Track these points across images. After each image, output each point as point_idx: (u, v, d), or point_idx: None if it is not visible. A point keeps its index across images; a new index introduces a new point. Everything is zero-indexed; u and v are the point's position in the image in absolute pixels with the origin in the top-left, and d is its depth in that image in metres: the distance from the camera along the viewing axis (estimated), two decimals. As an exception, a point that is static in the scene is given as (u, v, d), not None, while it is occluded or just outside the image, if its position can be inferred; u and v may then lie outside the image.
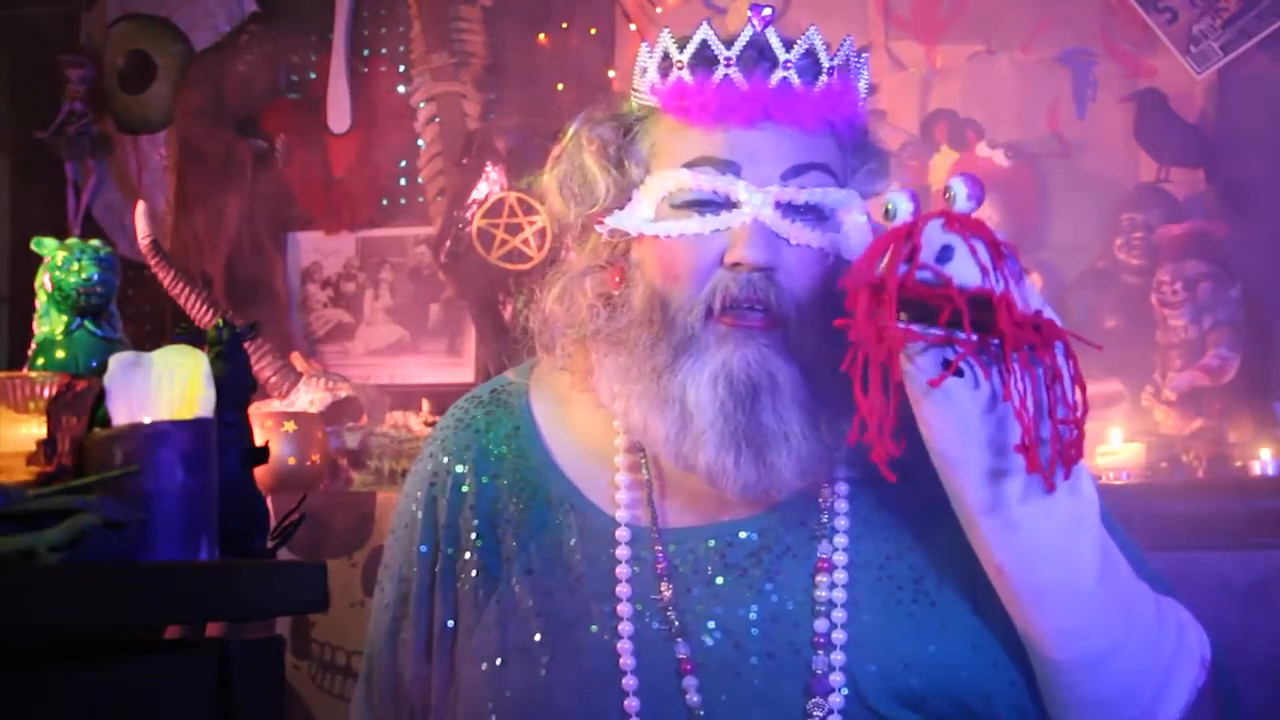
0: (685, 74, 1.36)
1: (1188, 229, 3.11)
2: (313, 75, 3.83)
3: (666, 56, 1.38)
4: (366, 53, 3.80)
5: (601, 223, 1.39)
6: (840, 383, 1.22)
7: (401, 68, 3.77)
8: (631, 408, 1.36)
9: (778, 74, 1.34)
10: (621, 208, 1.39)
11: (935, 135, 3.41)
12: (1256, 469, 2.84)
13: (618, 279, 1.39)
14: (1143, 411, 3.06)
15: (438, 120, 3.63)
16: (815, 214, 1.34)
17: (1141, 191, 3.25)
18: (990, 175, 3.24)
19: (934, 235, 1.15)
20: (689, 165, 1.34)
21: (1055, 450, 1.18)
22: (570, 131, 1.44)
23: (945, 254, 1.15)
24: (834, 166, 1.36)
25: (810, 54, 1.36)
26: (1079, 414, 1.18)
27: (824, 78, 1.35)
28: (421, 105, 3.65)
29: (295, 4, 3.84)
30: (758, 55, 1.35)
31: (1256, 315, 3.07)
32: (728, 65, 1.34)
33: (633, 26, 3.52)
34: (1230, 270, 3.06)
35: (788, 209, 1.33)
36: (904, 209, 1.19)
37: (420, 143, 3.68)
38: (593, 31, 3.59)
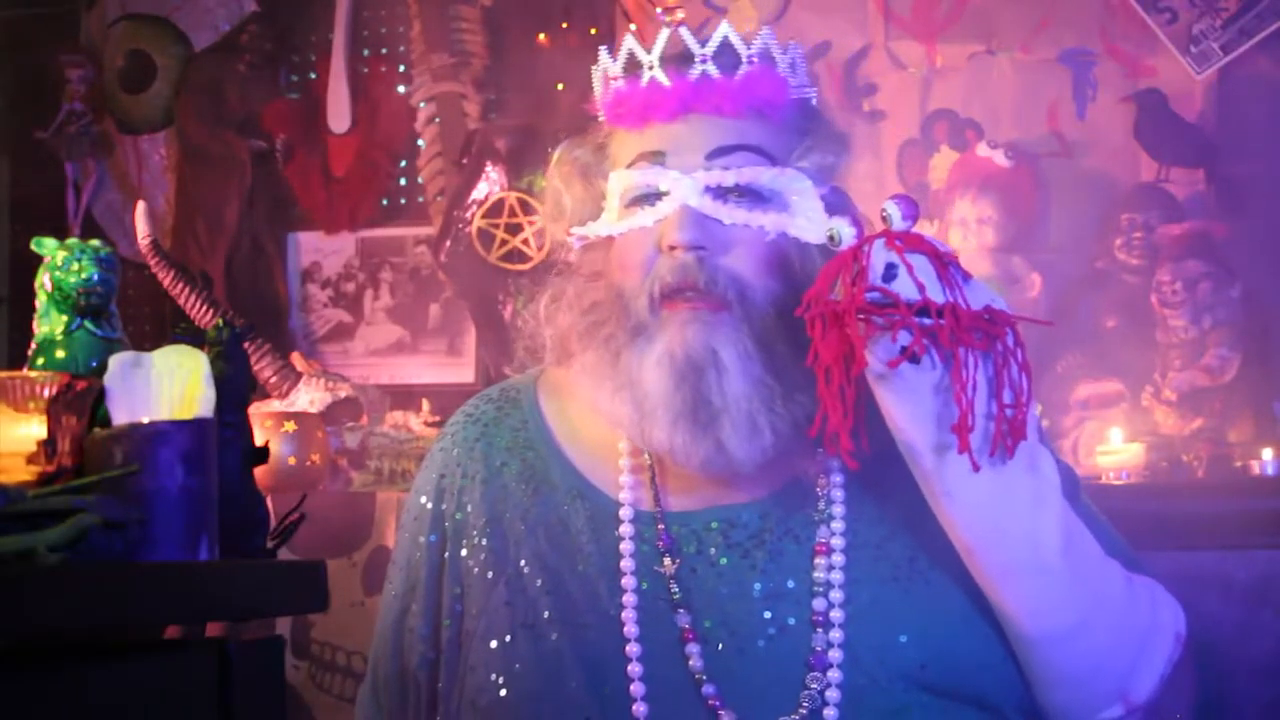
0: (620, 83, 1.47)
1: (1188, 229, 3.11)
2: (313, 75, 3.83)
3: (607, 72, 1.49)
4: (366, 53, 3.80)
5: (574, 234, 1.49)
6: (799, 354, 1.31)
7: (401, 68, 3.77)
8: (601, 396, 1.43)
9: (697, 68, 1.43)
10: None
11: (935, 135, 3.41)
12: (1256, 469, 2.84)
13: (603, 285, 1.46)
14: (1143, 411, 3.06)
15: (438, 120, 3.63)
16: (752, 195, 1.41)
17: (1141, 191, 3.25)
18: (990, 175, 3.24)
19: (878, 256, 1.25)
20: (630, 165, 1.44)
21: (999, 430, 1.26)
22: (555, 155, 1.53)
23: (890, 272, 1.24)
24: (767, 148, 1.42)
25: (726, 46, 1.44)
26: (1024, 398, 1.26)
27: (745, 66, 1.43)
28: (421, 105, 3.65)
29: (295, 4, 3.84)
30: (678, 55, 1.45)
31: (1256, 315, 3.07)
32: (650, 68, 1.44)
33: (633, 26, 3.52)
34: (1230, 270, 3.06)
35: (718, 192, 1.40)
36: (847, 234, 1.29)
37: (420, 143, 3.68)
38: (593, 31, 3.59)
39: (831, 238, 1.29)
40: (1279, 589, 2.52)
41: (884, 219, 1.27)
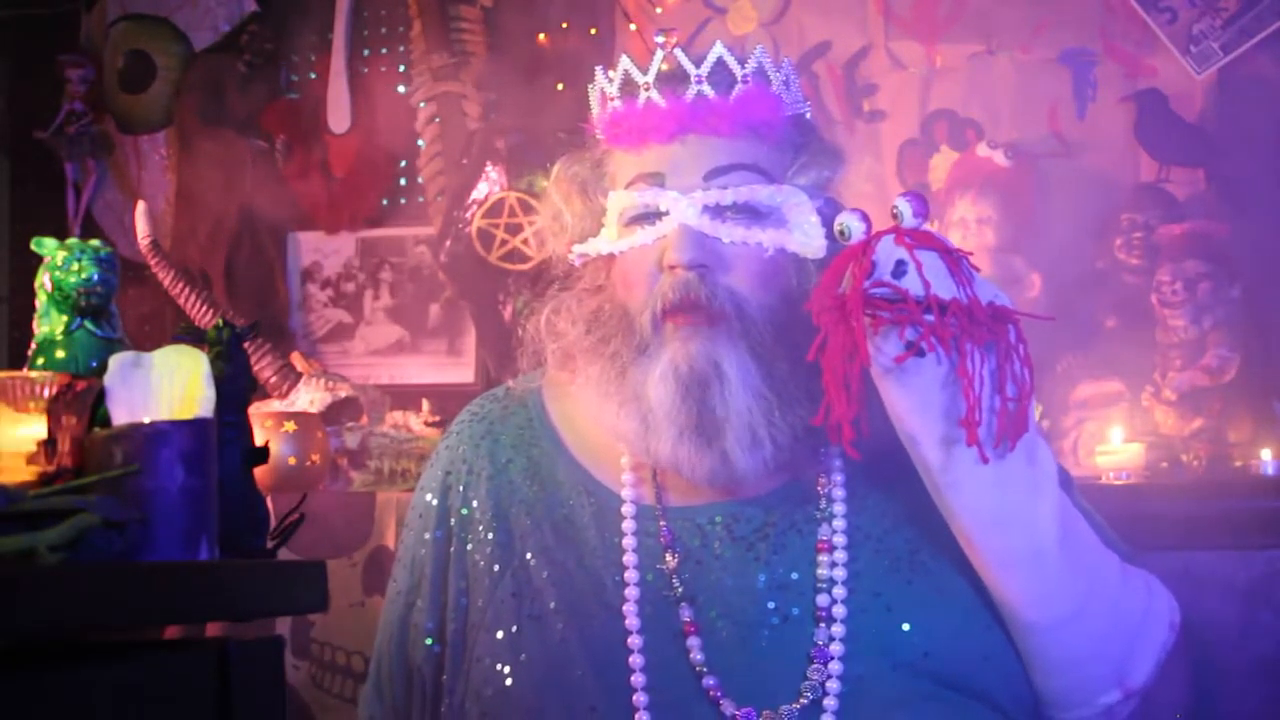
0: (617, 104, 1.50)
1: (1188, 229, 3.11)
2: (313, 75, 3.83)
3: (604, 92, 1.52)
4: (366, 53, 3.80)
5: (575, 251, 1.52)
6: (796, 368, 1.37)
7: (401, 68, 3.77)
8: (606, 410, 1.46)
9: (692, 89, 1.46)
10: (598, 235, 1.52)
11: (935, 135, 3.41)
12: (1256, 469, 2.84)
13: (605, 299, 1.50)
14: (1143, 411, 3.06)
15: (438, 120, 3.63)
16: (750, 213, 1.44)
17: (1141, 191, 3.25)
18: (990, 175, 3.24)
19: (887, 252, 1.27)
20: (629, 185, 1.47)
21: (1003, 423, 1.28)
22: (553, 172, 1.57)
23: (900, 269, 1.26)
24: (764, 165, 1.46)
25: (721, 66, 1.47)
26: (1026, 391, 1.29)
27: (740, 85, 1.46)
28: (421, 105, 3.65)
29: (295, 4, 3.84)
30: (672, 75, 1.48)
31: (1256, 315, 3.07)
32: (646, 89, 1.47)
33: (633, 26, 3.52)
34: (1230, 270, 3.05)
35: (716, 211, 1.43)
36: (856, 229, 1.30)
37: (420, 143, 3.68)
38: (593, 31, 3.59)
39: (841, 232, 1.31)
40: (1279, 589, 2.52)
41: (894, 216, 1.29)
